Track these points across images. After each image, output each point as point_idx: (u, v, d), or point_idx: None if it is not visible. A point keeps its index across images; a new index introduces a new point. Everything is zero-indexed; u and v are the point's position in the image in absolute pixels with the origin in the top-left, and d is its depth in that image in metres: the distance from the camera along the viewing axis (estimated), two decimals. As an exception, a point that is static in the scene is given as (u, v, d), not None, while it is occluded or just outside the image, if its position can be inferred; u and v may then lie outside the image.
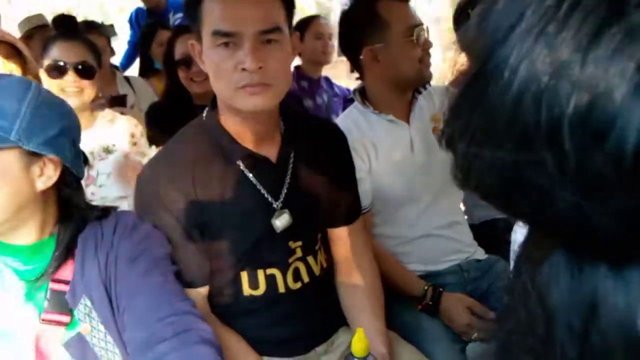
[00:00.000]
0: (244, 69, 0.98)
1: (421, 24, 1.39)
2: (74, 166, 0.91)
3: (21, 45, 1.97)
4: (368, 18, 1.39)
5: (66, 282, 0.91)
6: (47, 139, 0.84)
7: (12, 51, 1.93)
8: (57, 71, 1.66)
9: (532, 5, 0.24)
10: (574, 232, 0.24)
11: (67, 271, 0.91)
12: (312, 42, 2.50)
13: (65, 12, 3.59)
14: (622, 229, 0.23)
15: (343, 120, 1.54)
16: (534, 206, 0.25)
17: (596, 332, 0.24)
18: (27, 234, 0.89)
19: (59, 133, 0.86)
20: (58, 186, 0.90)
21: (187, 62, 1.90)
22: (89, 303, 0.91)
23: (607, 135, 0.22)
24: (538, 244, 0.27)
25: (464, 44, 0.28)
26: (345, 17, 1.46)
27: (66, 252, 0.91)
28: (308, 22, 2.54)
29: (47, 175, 0.86)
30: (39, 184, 0.85)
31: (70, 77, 1.66)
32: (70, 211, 0.93)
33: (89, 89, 1.70)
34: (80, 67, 1.67)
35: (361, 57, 1.42)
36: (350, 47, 1.46)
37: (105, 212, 0.98)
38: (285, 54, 1.04)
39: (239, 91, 1.00)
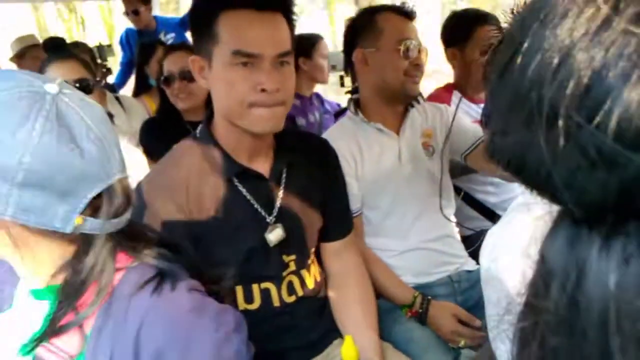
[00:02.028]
0: (263, 90, 1.02)
1: (414, 40, 1.42)
2: (64, 224, 0.65)
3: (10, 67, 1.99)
4: (366, 23, 1.46)
5: (66, 356, 0.69)
6: None
7: None
8: None
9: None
10: (570, 204, 0.28)
11: (72, 342, 0.70)
12: (319, 61, 2.57)
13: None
14: (607, 202, 0.26)
15: (334, 128, 1.59)
16: (538, 180, 0.29)
17: (581, 293, 0.27)
18: (35, 272, 0.72)
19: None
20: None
21: (172, 79, 1.95)
22: None
23: (595, 116, 0.25)
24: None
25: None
26: (349, 21, 1.53)
27: (63, 306, 0.69)
28: (314, 42, 2.59)
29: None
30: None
31: None
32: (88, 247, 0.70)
33: None
34: (78, 85, 1.70)
35: (353, 58, 1.48)
36: (347, 49, 1.52)
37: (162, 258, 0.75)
38: (293, 75, 1.09)
39: (251, 111, 1.04)
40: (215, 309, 0.73)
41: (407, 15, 1.45)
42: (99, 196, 0.67)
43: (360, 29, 1.47)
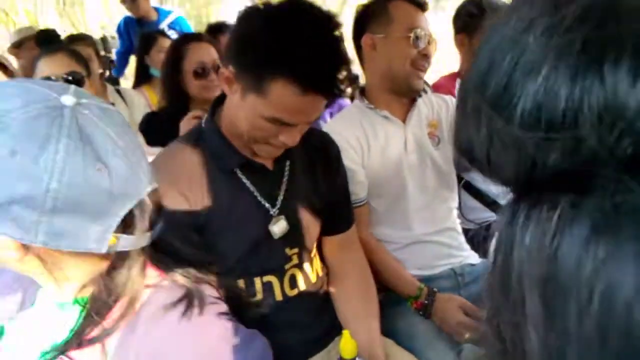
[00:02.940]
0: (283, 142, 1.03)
1: (424, 30, 1.41)
2: (74, 244, 0.61)
3: (5, 61, 1.97)
4: (377, 10, 1.45)
5: None
6: None
7: None
8: None
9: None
10: (499, 181, 0.34)
11: (92, 356, 0.67)
12: None
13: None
14: (520, 176, 0.32)
15: (340, 116, 1.57)
16: (480, 166, 0.35)
17: (511, 259, 0.32)
18: (61, 289, 0.69)
19: (4, 202, 0.57)
20: None
21: (207, 70, 1.89)
22: None
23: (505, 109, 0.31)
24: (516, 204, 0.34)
25: None
26: (361, 6, 1.51)
27: (91, 321, 0.67)
28: None
29: (9, 254, 0.61)
30: (8, 255, 0.62)
31: None
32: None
33: None
34: (68, 78, 1.68)
35: (361, 42, 1.46)
36: (356, 34, 1.50)
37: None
38: None
39: (263, 146, 1.06)
40: (244, 335, 0.70)
41: (420, 5, 1.44)
42: (130, 211, 0.64)
43: (371, 14, 1.46)
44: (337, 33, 0.98)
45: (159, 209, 0.69)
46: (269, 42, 0.94)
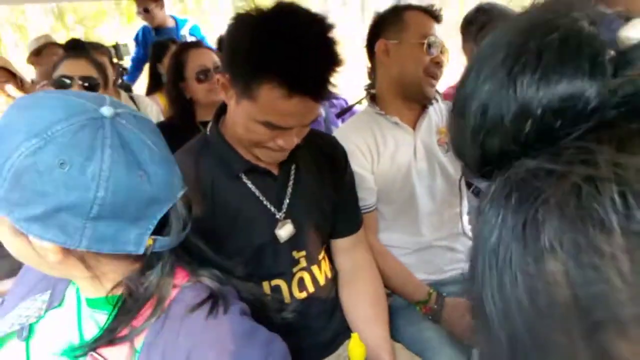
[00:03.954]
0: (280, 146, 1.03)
1: (437, 39, 1.42)
2: (113, 247, 0.64)
3: (13, 68, 2.01)
4: (392, 17, 1.47)
5: None
6: (30, 217, 0.60)
7: (6, 74, 1.96)
8: (62, 85, 1.73)
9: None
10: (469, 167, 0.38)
11: (120, 355, 0.69)
12: None
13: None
14: (482, 161, 0.36)
15: (350, 122, 1.58)
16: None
17: (478, 238, 0.35)
18: (95, 287, 0.71)
19: (52, 210, 0.59)
20: None
21: (209, 73, 1.91)
22: None
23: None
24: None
25: None
26: (377, 15, 1.53)
27: (123, 319, 0.68)
28: None
29: (49, 257, 0.63)
30: (48, 258, 0.64)
31: (75, 90, 1.73)
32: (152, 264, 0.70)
33: None
34: (85, 81, 1.76)
35: (375, 47, 1.48)
36: (370, 40, 1.52)
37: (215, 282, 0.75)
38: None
39: (263, 150, 1.07)
40: (265, 336, 0.72)
41: (434, 16, 1.46)
42: (165, 214, 0.67)
43: (386, 20, 1.48)
44: (327, 35, 0.98)
45: (190, 211, 0.72)
46: (255, 47, 0.95)
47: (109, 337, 0.68)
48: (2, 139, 0.60)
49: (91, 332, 0.72)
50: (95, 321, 0.73)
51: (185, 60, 1.94)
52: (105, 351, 0.69)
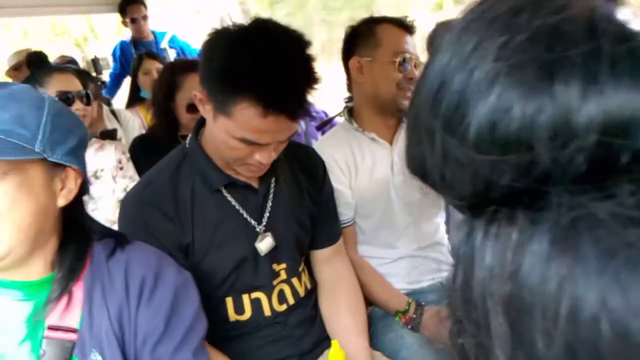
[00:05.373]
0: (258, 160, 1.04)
1: (411, 54, 1.43)
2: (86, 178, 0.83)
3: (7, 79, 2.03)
4: (365, 32, 1.47)
5: (70, 330, 0.78)
6: (70, 149, 0.77)
7: None
8: (66, 101, 1.75)
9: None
10: (453, 199, 0.35)
11: (71, 318, 0.79)
12: None
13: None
14: (477, 194, 0.32)
15: (328, 136, 1.60)
16: (432, 183, 0.37)
17: (472, 273, 0.33)
18: (36, 267, 0.78)
19: (78, 143, 0.79)
20: (68, 205, 0.80)
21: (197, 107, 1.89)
22: (99, 358, 0.79)
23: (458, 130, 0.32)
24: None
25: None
26: (350, 28, 1.53)
27: (65, 285, 0.78)
28: None
29: (69, 188, 0.79)
30: (60, 199, 0.78)
31: (78, 105, 1.78)
32: (72, 233, 0.83)
33: (88, 116, 1.84)
34: (82, 95, 1.80)
35: (350, 65, 1.49)
36: (345, 55, 1.53)
37: (109, 233, 0.89)
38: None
39: (242, 167, 1.08)
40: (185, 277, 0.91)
41: (407, 28, 1.46)
42: None
43: (359, 37, 1.48)
44: (303, 53, 0.98)
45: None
46: (230, 65, 0.95)
47: (59, 291, 0.78)
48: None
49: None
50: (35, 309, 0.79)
51: (178, 84, 1.88)
52: (58, 321, 0.78)
